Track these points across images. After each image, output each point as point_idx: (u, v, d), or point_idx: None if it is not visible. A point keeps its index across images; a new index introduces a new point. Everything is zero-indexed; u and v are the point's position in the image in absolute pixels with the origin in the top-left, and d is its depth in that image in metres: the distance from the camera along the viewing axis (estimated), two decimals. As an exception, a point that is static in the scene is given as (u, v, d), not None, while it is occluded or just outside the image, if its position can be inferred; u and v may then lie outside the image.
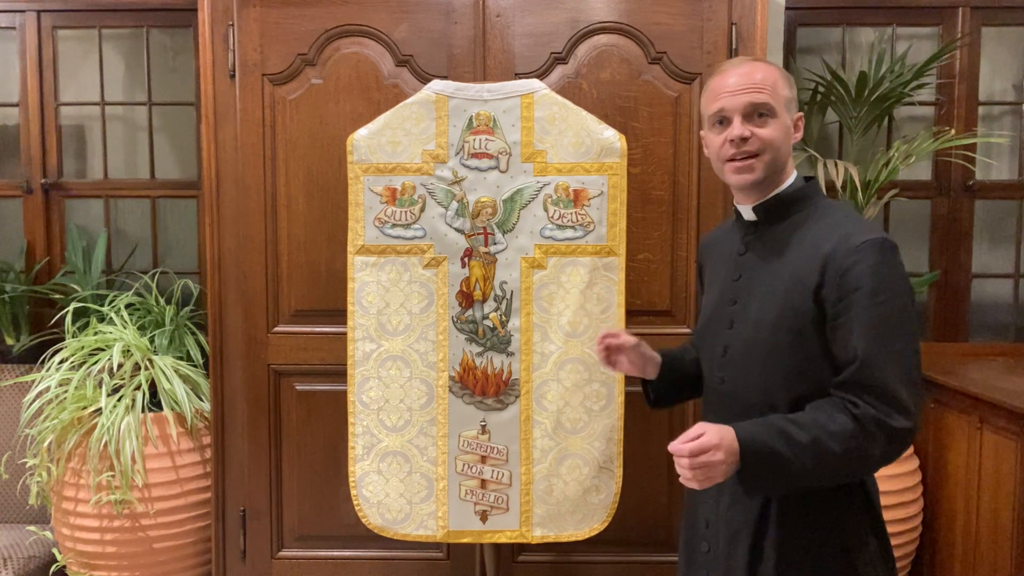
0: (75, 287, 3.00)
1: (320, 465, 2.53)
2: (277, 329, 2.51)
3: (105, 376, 2.59)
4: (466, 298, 2.21)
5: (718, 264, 1.63)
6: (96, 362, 2.60)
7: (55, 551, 2.62)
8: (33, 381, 2.66)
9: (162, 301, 2.89)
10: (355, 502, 2.25)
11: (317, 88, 2.44)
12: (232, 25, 2.43)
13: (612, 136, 2.17)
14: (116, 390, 2.61)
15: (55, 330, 2.87)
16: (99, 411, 2.54)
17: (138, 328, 2.75)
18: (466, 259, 2.20)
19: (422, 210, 2.20)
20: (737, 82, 1.44)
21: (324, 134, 2.45)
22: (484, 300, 2.21)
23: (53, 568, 2.64)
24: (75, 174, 3.23)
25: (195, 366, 2.79)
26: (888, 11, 3.06)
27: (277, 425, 2.53)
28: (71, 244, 3.06)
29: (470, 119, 2.18)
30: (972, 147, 2.98)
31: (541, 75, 2.40)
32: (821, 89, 2.89)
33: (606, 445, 2.21)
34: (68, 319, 2.75)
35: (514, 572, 2.55)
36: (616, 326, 2.16)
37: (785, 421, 1.34)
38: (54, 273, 3.13)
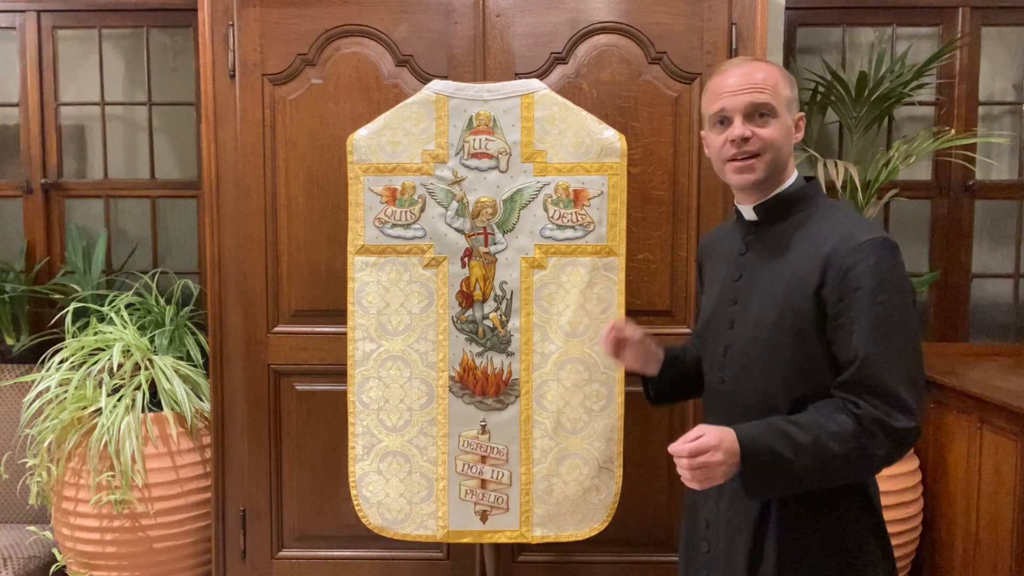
0: (75, 287, 3.00)
1: (320, 465, 2.53)
2: (277, 329, 2.51)
3: (105, 376, 2.59)
4: (466, 298, 2.21)
5: (718, 264, 1.62)
6: (96, 362, 2.60)
7: (55, 551, 2.62)
8: (33, 381, 2.66)
9: (162, 301, 2.89)
10: (355, 502, 2.25)
11: (317, 88, 2.44)
12: (232, 25, 2.43)
13: (612, 136, 2.17)
14: (116, 390, 2.61)
15: (55, 330, 2.88)
16: (99, 411, 2.54)
17: (138, 328, 2.75)
18: (466, 259, 2.20)
19: (422, 210, 2.20)
20: (738, 82, 1.44)
21: (324, 134, 2.45)
22: (484, 300, 2.20)
23: (53, 568, 2.63)
24: (75, 174, 3.22)
25: (195, 366, 2.79)
26: (888, 11, 3.06)
27: (277, 425, 2.53)
28: (71, 244, 3.05)
29: (470, 119, 2.18)
30: (972, 147, 2.98)
31: (541, 75, 2.40)
32: (821, 89, 2.89)
33: (606, 445, 2.21)
34: (68, 319, 2.75)
35: (514, 572, 2.55)
36: (616, 326, 2.16)
37: (786, 422, 1.33)
38: (54, 273, 3.13)
